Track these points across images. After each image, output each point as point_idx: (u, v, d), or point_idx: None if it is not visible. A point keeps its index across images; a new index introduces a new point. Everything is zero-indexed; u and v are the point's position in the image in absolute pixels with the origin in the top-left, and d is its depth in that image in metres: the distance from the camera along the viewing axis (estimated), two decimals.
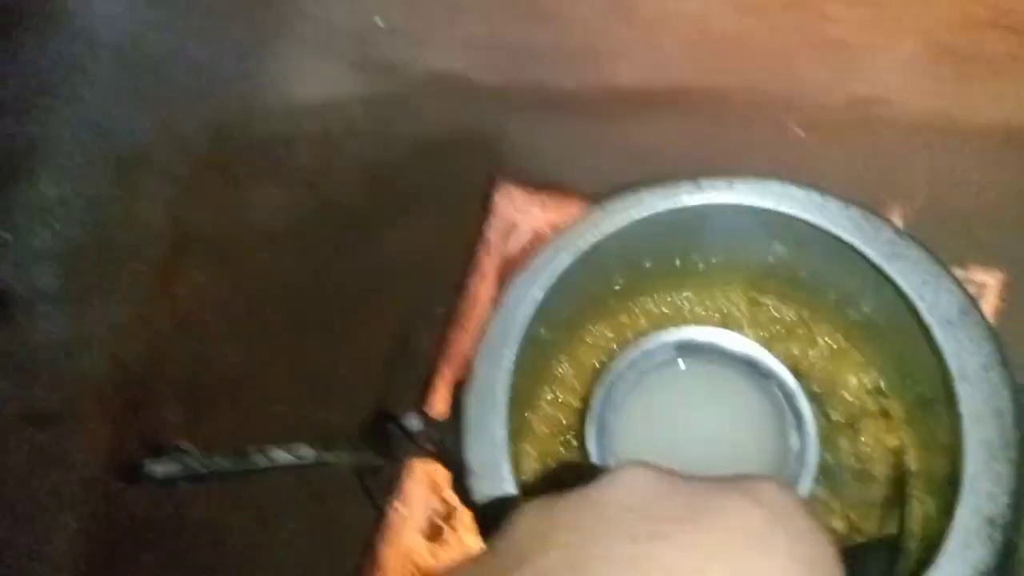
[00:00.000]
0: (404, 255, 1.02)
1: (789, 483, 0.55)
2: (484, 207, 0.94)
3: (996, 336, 0.50)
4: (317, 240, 1.03)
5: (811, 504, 0.59)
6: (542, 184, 0.92)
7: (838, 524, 0.63)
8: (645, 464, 0.32)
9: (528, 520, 0.30)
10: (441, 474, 0.86)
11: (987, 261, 0.78)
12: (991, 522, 0.46)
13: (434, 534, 0.85)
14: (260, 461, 0.54)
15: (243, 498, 0.97)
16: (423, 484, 0.87)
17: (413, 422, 0.49)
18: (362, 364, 0.95)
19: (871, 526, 0.63)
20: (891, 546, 0.55)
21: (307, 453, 0.54)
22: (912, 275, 0.51)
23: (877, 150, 0.92)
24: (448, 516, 0.85)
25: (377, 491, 0.82)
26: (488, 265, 0.86)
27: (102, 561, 0.93)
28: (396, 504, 0.85)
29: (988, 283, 0.77)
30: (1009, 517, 0.46)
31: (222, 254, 1.07)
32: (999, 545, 0.45)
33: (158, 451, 0.57)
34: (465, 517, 0.84)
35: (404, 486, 0.85)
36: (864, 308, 0.62)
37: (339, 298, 1.00)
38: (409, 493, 0.86)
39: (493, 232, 0.91)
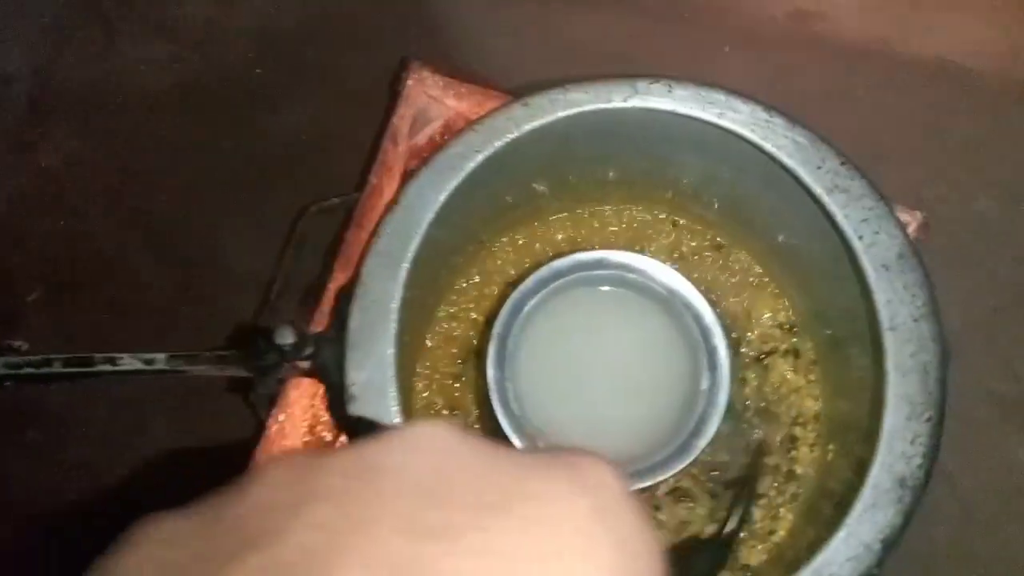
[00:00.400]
0: (301, 136, 0.92)
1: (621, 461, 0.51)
2: (393, 91, 0.85)
3: (931, 286, 0.46)
4: (205, 109, 0.93)
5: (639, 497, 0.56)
6: (460, 71, 0.83)
7: (739, 461, 0.60)
8: (449, 424, 0.23)
9: (278, 480, 0.21)
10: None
11: (905, 200, 0.76)
12: (902, 483, 0.43)
13: (320, 446, 0.80)
14: (104, 368, 0.46)
15: (110, 393, 0.89)
16: (309, 392, 0.80)
17: (285, 336, 0.42)
18: (249, 255, 0.86)
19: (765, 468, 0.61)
20: (719, 546, 0.52)
21: (160, 362, 0.46)
22: (852, 211, 0.46)
23: (808, 70, 0.88)
24: (335, 430, 0.79)
25: (260, 401, 0.75)
26: (393, 156, 0.77)
27: None
28: (278, 414, 0.78)
29: (907, 222, 0.75)
30: (921, 480, 0.43)
31: (95, 117, 0.95)
32: (908, 507, 0.43)
33: None
34: None
35: (288, 396, 0.78)
36: (791, 240, 0.58)
37: (227, 177, 0.91)
38: (293, 403, 0.79)
39: (401, 119, 0.81)
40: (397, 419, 0.44)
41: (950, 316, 0.50)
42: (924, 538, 0.87)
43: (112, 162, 0.93)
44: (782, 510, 0.59)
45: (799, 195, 0.50)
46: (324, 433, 0.81)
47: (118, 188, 0.92)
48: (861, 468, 0.43)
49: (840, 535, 0.42)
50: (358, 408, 0.44)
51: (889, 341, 0.45)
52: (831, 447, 0.59)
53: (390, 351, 0.45)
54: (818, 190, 0.47)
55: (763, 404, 0.62)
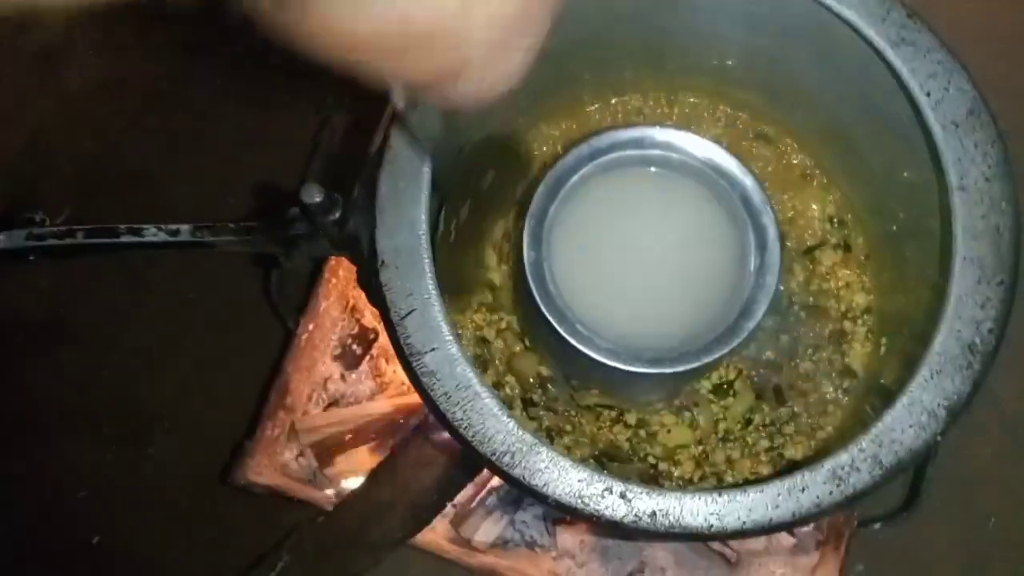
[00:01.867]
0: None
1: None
2: None
3: (1005, 144, 0.43)
4: (212, 31, 0.90)
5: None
6: None
7: (778, 357, 0.58)
8: None
9: None
10: (361, 297, 0.78)
11: None
12: (971, 349, 0.40)
13: (351, 362, 0.78)
14: (128, 239, 0.45)
15: (134, 308, 0.89)
16: (339, 305, 0.79)
17: (311, 193, 0.40)
18: (275, 165, 0.85)
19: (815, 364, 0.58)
20: None
21: (184, 233, 0.45)
22: (919, 65, 0.43)
23: None
24: (368, 343, 0.78)
25: (285, 307, 0.74)
26: None
27: None
28: (307, 324, 0.77)
29: None
30: (992, 346, 0.40)
31: (119, 34, 0.94)
32: (977, 376, 0.40)
33: (5, 221, 0.47)
34: (388, 345, 0.77)
35: (318, 305, 0.77)
36: (843, 119, 0.54)
37: (253, 90, 0.89)
38: (322, 314, 0.78)
39: None
40: (431, 285, 0.42)
41: None
42: (968, 460, 0.84)
43: (137, 82, 0.92)
44: (831, 407, 0.56)
45: (857, 58, 0.46)
46: (355, 347, 0.80)
47: (143, 105, 0.91)
48: (914, 365, 0.41)
49: (903, 401, 0.39)
50: (390, 276, 0.42)
51: (958, 202, 0.41)
52: (884, 342, 0.57)
53: (422, 216, 0.42)
54: (881, 43, 0.43)
55: (810, 299, 0.59)
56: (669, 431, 0.57)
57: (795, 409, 0.57)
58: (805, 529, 0.72)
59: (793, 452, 0.54)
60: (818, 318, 0.58)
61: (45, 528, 0.84)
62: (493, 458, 0.40)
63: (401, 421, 0.75)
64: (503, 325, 0.57)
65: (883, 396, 0.51)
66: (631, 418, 0.56)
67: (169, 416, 0.85)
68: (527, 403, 0.56)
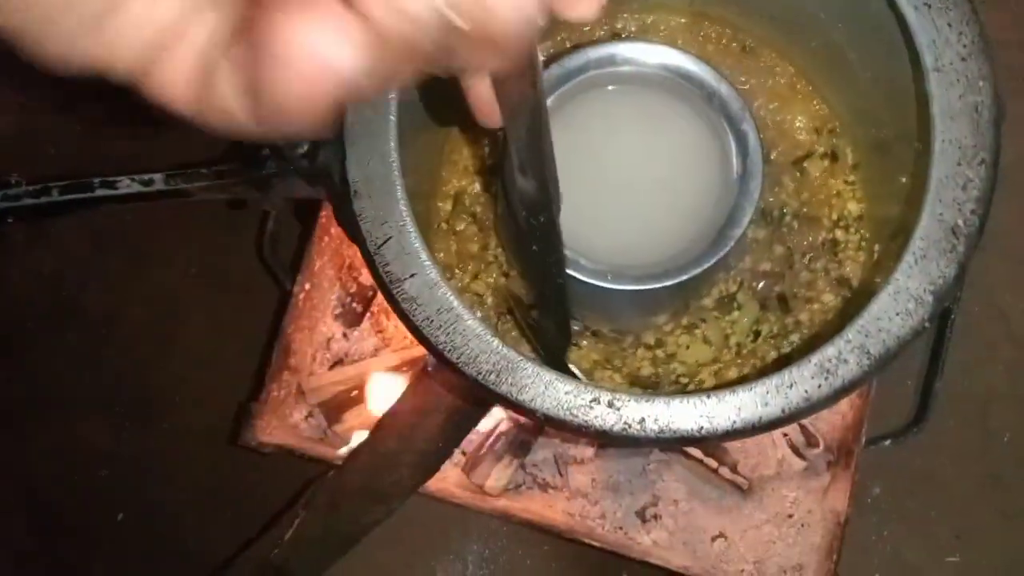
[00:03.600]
0: None
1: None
2: None
3: (979, 20, 0.41)
4: None
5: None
6: None
7: (776, 267, 0.57)
8: None
9: None
10: (358, 255, 0.78)
11: None
12: (955, 232, 0.39)
13: (351, 320, 0.78)
14: (102, 191, 0.45)
15: (137, 287, 0.90)
16: (334, 264, 0.79)
17: None
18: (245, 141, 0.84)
19: (812, 273, 0.58)
20: None
21: (158, 182, 0.45)
22: None
23: None
24: (367, 300, 0.78)
25: (280, 267, 0.74)
26: None
27: None
28: (304, 284, 0.77)
29: None
30: (975, 226, 0.39)
31: None
32: (961, 258, 0.39)
33: None
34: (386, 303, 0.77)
35: (312, 264, 0.77)
36: (825, 22, 0.53)
37: None
38: (318, 273, 0.78)
39: None
40: (405, 212, 0.42)
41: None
42: (979, 377, 0.83)
43: None
44: (831, 314, 0.56)
45: None
46: (355, 306, 0.80)
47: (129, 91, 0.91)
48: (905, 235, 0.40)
49: (888, 290, 0.39)
50: (363, 205, 0.42)
51: (934, 84, 0.40)
52: (877, 248, 0.56)
53: (392, 144, 0.42)
54: None
55: (803, 209, 0.58)
56: (688, 348, 0.56)
57: (800, 318, 0.56)
58: (815, 451, 0.72)
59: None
60: (811, 227, 0.58)
61: (70, 509, 0.86)
62: (479, 378, 0.40)
63: (404, 371, 0.76)
64: (490, 258, 0.56)
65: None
66: (649, 338, 0.56)
67: (179, 388, 0.86)
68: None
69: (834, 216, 0.58)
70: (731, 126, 0.49)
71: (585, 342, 0.56)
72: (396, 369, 0.77)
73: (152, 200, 0.45)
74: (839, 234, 0.57)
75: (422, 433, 0.68)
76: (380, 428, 0.71)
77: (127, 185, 0.44)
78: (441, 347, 0.40)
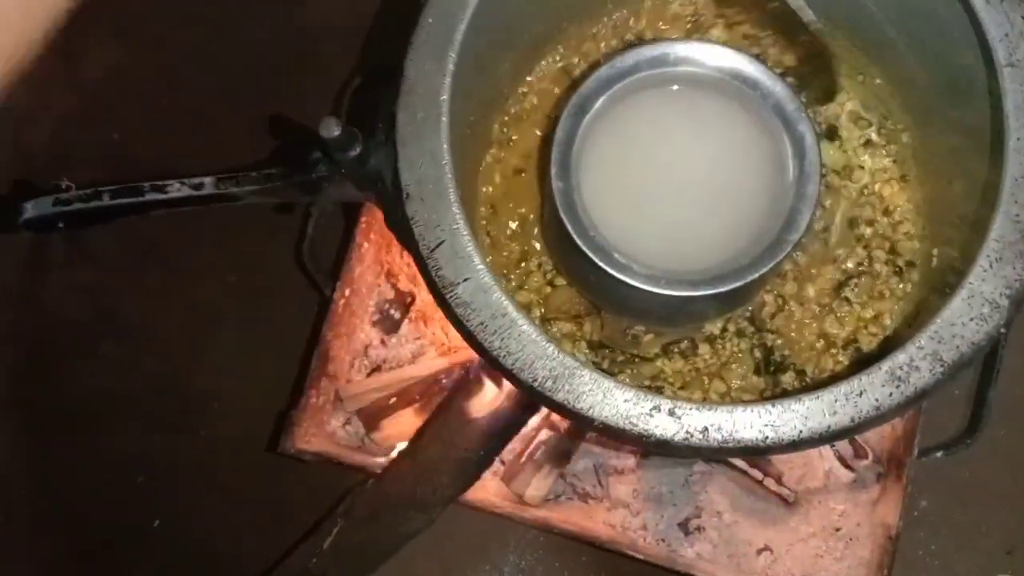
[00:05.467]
0: (330, 16, 0.89)
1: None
2: None
3: None
4: (231, 6, 0.90)
5: None
6: None
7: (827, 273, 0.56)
8: None
9: None
10: (396, 260, 0.78)
11: None
12: None
13: (389, 326, 0.78)
14: (152, 195, 0.45)
15: (175, 297, 0.90)
16: (374, 270, 0.78)
17: (330, 127, 0.39)
18: (295, 144, 0.84)
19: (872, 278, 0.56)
20: None
21: (208, 186, 0.44)
22: None
23: None
24: (405, 306, 0.77)
25: (319, 274, 0.73)
26: None
27: (30, 370, 0.87)
28: (344, 290, 0.76)
29: None
30: None
31: (131, 27, 0.94)
32: None
33: (31, 190, 0.47)
34: (426, 307, 0.76)
35: (352, 270, 0.76)
36: (880, 14, 0.51)
37: (263, 68, 0.89)
38: (357, 279, 0.77)
39: None
40: (458, 215, 0.41)
41: None
42: None
43: (150, 72, 0.92)
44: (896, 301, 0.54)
45: None
46: (393, 312, 0.80)
47: (162, 92, 0.91)
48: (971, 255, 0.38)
49: (961, 294, 0.37)
50: (416, 208, 0.41)
51: (1008, 80, 0.39)
52: (936, 251, 0.54)
53: (444, 145, 0.41)
54: None
55: (855, 199, 0.57)
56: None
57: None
58: (864, 462, 0.70)
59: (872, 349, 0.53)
60: (857, 228, 0.57)
61: (106, 516, 0.86)
62: (535, 384, 0.39)
63: (443, 381, 0.75)
64: (534, 264, 0.55)
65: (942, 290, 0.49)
66: (689, 344, 0.55)
67: (216, 396, 0.86)
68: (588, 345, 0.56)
69: (888, 206, 0.56)
70: (787, 127, 0.48)
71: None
72: (434, 376, 0.76)
73: (201, 204, 0.45)
74: (895, 224, 0.56)
75: (463, 441, 0.67)
76: (421, 436, 0.70)
77: (177, 189, 0.44)
78: (496, 353, 0.39)
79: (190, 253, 0.90)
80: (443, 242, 0.40)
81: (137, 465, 0.85)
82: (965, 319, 0.37)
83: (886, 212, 0.57)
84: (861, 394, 0.37)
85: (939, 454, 0.69)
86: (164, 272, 0.90)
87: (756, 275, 0.46)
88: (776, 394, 0.55)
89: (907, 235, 0.56)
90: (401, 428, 0.75)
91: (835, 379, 0.46)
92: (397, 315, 0.79)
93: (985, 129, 0.41)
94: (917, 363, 0.36)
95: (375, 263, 0.78)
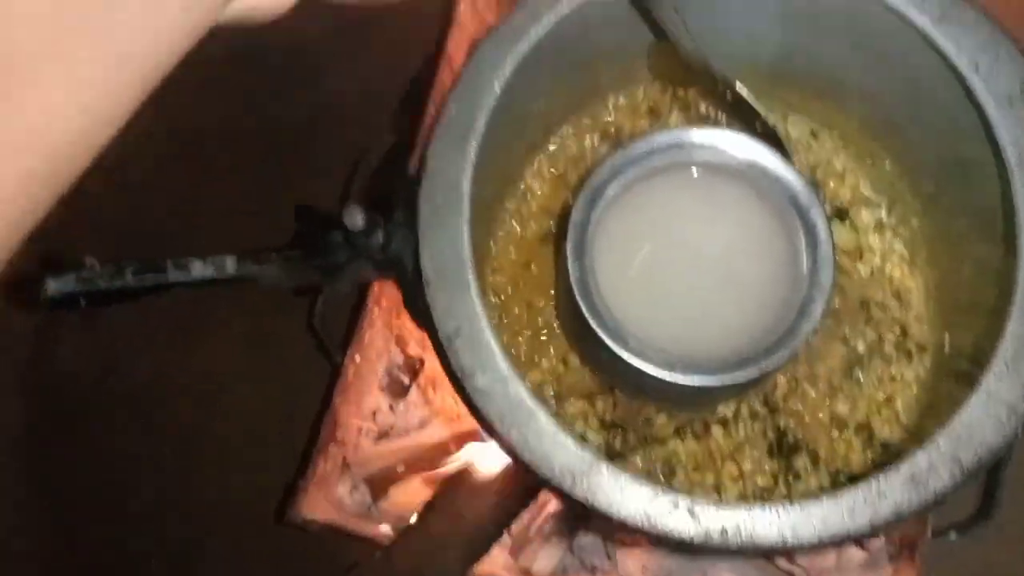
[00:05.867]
0: (350, 85, 0.91)
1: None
2: (446, 19, 0.82)
3: None
4: (253, 72, 0.92)
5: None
6: None
7: (838, 354, 0.56)
8: None
9: None
10: (406, 325, 0.78)
11: None
12: None
13: (398, 391, 0.78)
14: (175, 275, 0.45)
15: (186, 358, 0.90)
16: (384, 335, 0.78)
17: (354, 216, 0.40)
18: (315, 196, 0.85)
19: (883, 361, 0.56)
20: None
21: (230, 266, 0.45)
22: (966, 40, 0.41)
23: None
24: (414, 371, 0.77)
25: (330, 341, 0.73)
26: (450, 82, 0.75)
27: (41, 428, 0.87)
28: (353, 357, 0.77)
29: None
30: None
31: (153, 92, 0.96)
32: None
33: (55, 266, 0.47)
34: (435, 373, 0.76)
35: (363, 335, 0.76)
36: (890, 104, 0.52)
37: (281, 134, 0.90)
38: (367, 345, 0.77)
39: (456, 47, 0.79)
40: (477, 303, 0.41)
41: None
42: None
43: (168, 134, 0.93)
44: (909, 384, 0.54)
45: (894, 39, 0.45)
46: (402, 377, 0.80)
47: (176, 152, 0.92)
48: (985, 348, 0.38)
49: (979, 395, 0.37)
50: (435, 295, 0.41)
51: (1019, 183, 0.39)
52: (947, 338, 0.54)
53: (464, 232, 0.42)
54: (922, 21, 0.42)
55: (864, 283, 0.57)
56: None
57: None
58: (877, 542, 0.69)
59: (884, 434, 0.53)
60: (868, 310, 0.57)
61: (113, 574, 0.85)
62: (553, 479, 0.38)
63: (452, 449, 0.74)
64: (548, 343, 0.56)
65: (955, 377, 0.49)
66: (702, 425, 0.55)
67: (223, 460, 0.86)
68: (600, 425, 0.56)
69: (898, 288, 0.57)
70: (800, 217, 0.49)
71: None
72: (443, 444, 0.76)
73: (222, 284, 0.45)
74: (904, 308, 0.56)
75: (472, 515, 0.66)
76: (430, 510, 0.69)
77: (200, 268, 0.44)
78: (515, 446, 0.39)
79: (200, 313, 0.90)
80: (462, 331, 0.41)
81: (145, 527, 0.85)
82: (983, 422, 0.37)
83: (896, 295, 0.57)
84: (881, 497, 0.36)
85: (953, 535, 0.68)
86: (174, 331, 0.90)
87: (771, 366, 0.46)
88: (788, 476, 0.55)
89: (918, 318, 0.57)
90: (409, 497, 0.74)
91: (853, 475, 0.46)
92: (406, 380, 0.79)
93: (995, 217, 0.42)
94: (936, 466, 0.36)
95: (385, 328, 0.78)
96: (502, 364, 0.40)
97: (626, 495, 0.37)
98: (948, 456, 0.37)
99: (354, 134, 0.84)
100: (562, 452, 0.38)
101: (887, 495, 0.36)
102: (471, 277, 0.41)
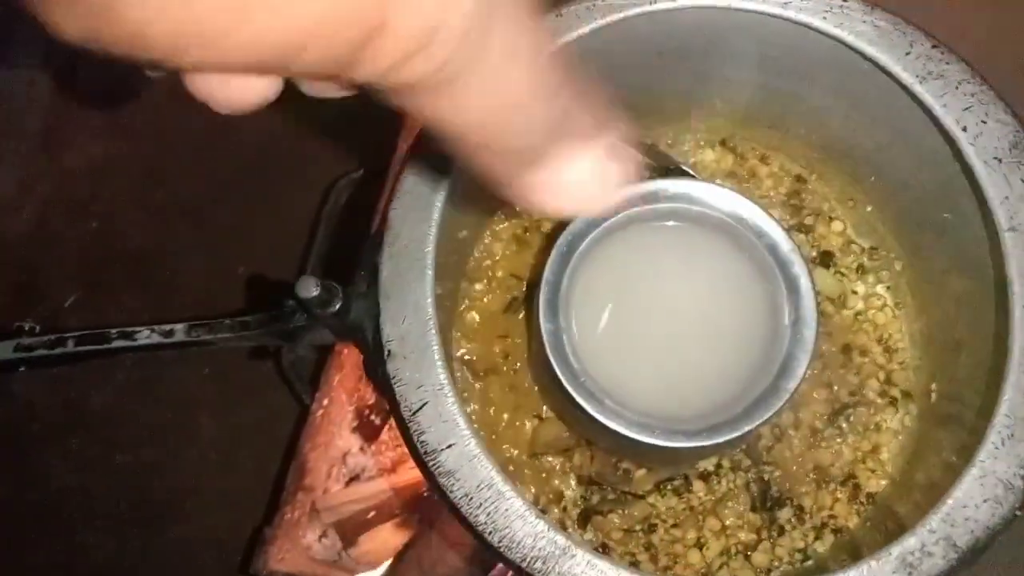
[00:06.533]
0: (328, 116, 0.88)
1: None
2: None
3: None
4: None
5: None
6: None
7: (822, 403, 0.54)
8: None
9: None
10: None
11: None
12: None
13: (369, 433, 0.75)
14: (120, 343, 0.42)
15: (147, 393, 0.87)
16: (354, 375, 0.75)
17: (308, 288, 0.37)
18: (284, 234, 0.83)
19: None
20: None
21: (179, 333, 0.42)
22: (951, 99, 0.40)
23: None
24: (385, 412, 0.74)
25: (300, 382, 0.71)
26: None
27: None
28: (322, 400, 0.74)
29: None
30: None
31: (117, 116, 0.93)
32: None
33: None
34: None
35: (331, 378, 0.74)
36: (877, 159, 0.51)
37: (255, 163, 0.88)
38: (336, 387, 0.74)
39: None
40: (442, 375, 0.39)
41: None
42: None
43: (139, 159, 0.91)
44: (895, 434, 0.52)
45: (883, 95, 0.43)
46: (373, 418, 0.77)
47: (146, 184, 0.90)
48: (990, 397, 0.37)
49: (972, 472, 0.35)
50: (398, 367, 0.39)
51: (1010, 244, 0.38)
52: (934, 388, 0.53)
53: (428, 299, 0.39)
54: (908, 79, 0.40)
55: (849, 338, 0.55)
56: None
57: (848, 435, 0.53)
58: None
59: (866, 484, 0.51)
60: (850, 356, 0.55)
61: None
62: (523, 564, 0.36)
63: (425, 494, 0.72)
64: (522, 400, 0.53)
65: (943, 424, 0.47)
66: (683, 480, 0.53)
67: (188, 499, 0.83)
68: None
69: (884, 347, 0.55)
70: (781, 269, 0.47)
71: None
72: (415, 487, 0.73)
73: (172, 349, 0.43)
74: (892, 366, 0.54)
75: (444, 568, 0.64)
76: (400, 561, 0.67)
77: (146, 336, 0.42)
78: (481, 529, 0.36)
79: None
80: (426, 404, 0.38)
81: (104, 565, 0.82)
82: (978, 501, 0.35)
83: (880, 340, 0.56)
84: None
85: None
86: (137, 363, 0.87)
87: (752, 427, 0.44)
88: (772, 530, 0.53)
89: (902, 365, 0.55)
90: (379, 544, 0.71)
91: (838, 529, 0.44)
92: (377, 421, 0.76)
93: (982, 267, 0.40)
94: (929, 548, 0.34)
95: (356, 367, 0.75)
96: (469, 440, 0.38)
97: None
98: (942, 537, 0.35)
99: (331, 160, 0.82)
100: (533, 536, 0.36)
101: None
102: (436, 346, 0.39)
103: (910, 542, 0.35)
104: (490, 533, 0.36)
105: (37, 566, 0.82)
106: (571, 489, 0.54)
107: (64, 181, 0.91)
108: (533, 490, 0.53)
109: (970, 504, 0.35)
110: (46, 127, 0.92)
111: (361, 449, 0.75)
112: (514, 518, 0.36)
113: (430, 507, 0.70)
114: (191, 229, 0.88)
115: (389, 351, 0.39)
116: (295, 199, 0.81)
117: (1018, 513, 0.35)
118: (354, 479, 0.75)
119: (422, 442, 0.38)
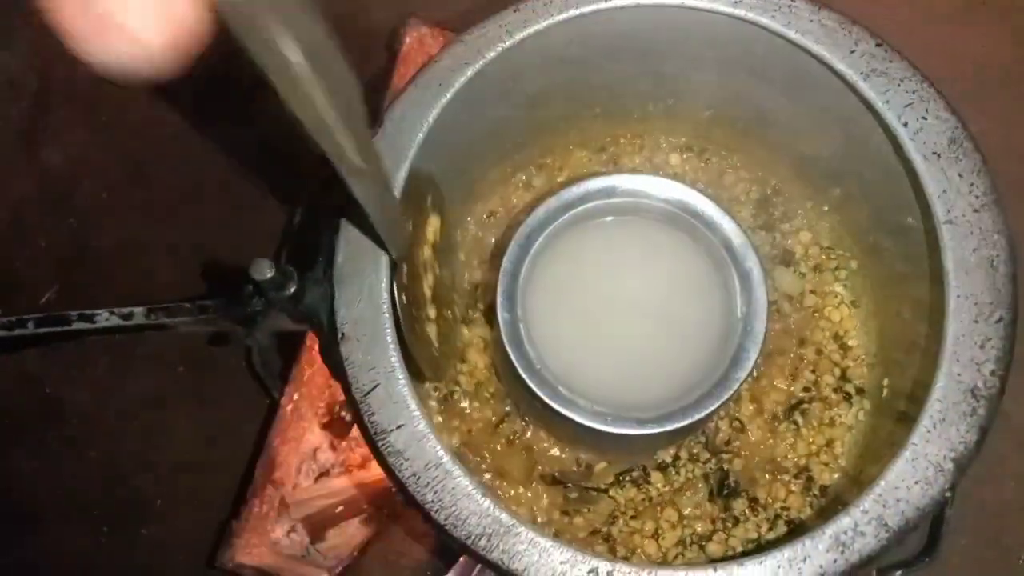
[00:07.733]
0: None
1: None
2: (391, 51, 0.81)
3: (990, 172, 0.40)
4: (206, 99, 0.90)
5: None
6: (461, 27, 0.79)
7: (778, 397, 0.55)
8: None
9: None
10: None
11: None
12: (974, 393, 0.37)
13: (339, 430, 0.75)
14: (81, 326, 0.43)
15: (121, 389, 0.87)
16: (324, 371, 0.76)
17: (262, 270, 0.38)
18: (260, 233, 0.83)
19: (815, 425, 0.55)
20: None
21: (138, 316, 0.43)
22: (894, 95, 0.41)
23: None
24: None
25: (270, 378, 0.71)
26: None
27: None
28: (292, 395, 0.74)
29: None
30: (996, 388, 0.37)
31: (98, 113, 0.93)
32: (983, 421, 0.37)
33: None
34: None
35: (301, 373, 0.74)
36: (829, 158, 0.52)
37: (235, 161, 0.88)
38: (307, 382, 0.75)
39: (401, 80, 0.78)
40: (394, 359, 0.39)
41: None
42: (990, 492, 0.80)
43: (117, 159, 0.91)
44: (848, 429, 0.53)
45: (833, 94, 0.45)
46: (344, 414, 0.77)
47: (124, 182, 0.91)
48: (925, 383, 0.38)
49: (905, 455, 0.36)
50: (351, 349, 0.39)
51: (947, 236, 0.39)
52: (886, 383, 0.54)
53: (382, 285, 0.40)
54: (853, 76, 0.41)
55: (806, 334, 0.56)
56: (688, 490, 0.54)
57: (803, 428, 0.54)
58: None
59: (820, 478, 0.52)
60: (804, 347, 0.56)
61: None
62: (468, 542, 0.37)
63: (393, 489, 0.72)
64: (489, 391, 0.54)
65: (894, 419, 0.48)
66: (641, 471, 0.54)
67: (160, 495, 0.83)
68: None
69: (838, 346, 0.56)
70: (734, 262, 0.48)
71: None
72: (384, 484, 0.74)
73: (132, 332, 0.43)
74: (844, 359, 0.55)
75: (408, 562, 0.64)
76: (363, 554, 0.67)
77: (105, 319, 0.42)
78: (428, 507, 0.37)
79: (138, 342, 0.87)
80: (377, 386, 0.39)
81: (76, 565, 0.81)
82: (910, 482, 0.36)
83: (836, 337, 0.57)
84: (805, 559, 0.35)
85: (898, 573, 0.67)
86: (110, 360, 0.88)
87: (702, 414, 0.45)
88: (727, 520, 0.54)
89: (857, 361, 0.56)
90: (347, 539, 0.72)
91: (791, 520, 0.45)
92: (348, 417, 0.77)
93: (923, 259, 0.41)
94: (862, 528, 0.35)
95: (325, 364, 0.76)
96: (418, 421, 0.38)
97: (543, 559, 0.36)
98: (874, 517, 0.36)
99: (314, 157, 0.82)
100: (478, 514, 0.37)
101: (812, 557, 0.35)
102: (388, 330, 0.39)
103: (843, 521, 0.36)
104: (437, 511, 0.37)
105: (7, 565, 0.82)
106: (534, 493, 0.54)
107: (41, 178, 0.92)
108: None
109: (902, 486, 0.36)
110: (23, 125, 0.93)
111: (331, 445, 0.76)
112: (460, 496, 0.37)
113: (397, 501, 0.71)
114: (169, 227, 0.88)
115: (343, 334, 0.40)
116: (276, 197, 0.82)
117: (948, 495, 0.36)
118: (324, 475, 0.75)
119: (372, 422, 0.39)
